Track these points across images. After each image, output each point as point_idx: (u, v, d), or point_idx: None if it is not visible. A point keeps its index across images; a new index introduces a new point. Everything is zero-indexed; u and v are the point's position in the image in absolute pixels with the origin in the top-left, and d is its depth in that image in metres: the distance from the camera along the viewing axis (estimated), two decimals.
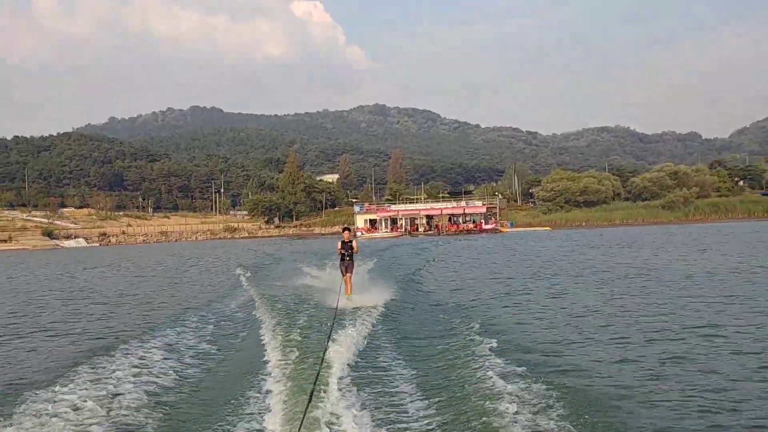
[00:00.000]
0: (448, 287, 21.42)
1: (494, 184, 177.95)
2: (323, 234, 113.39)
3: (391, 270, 28.51)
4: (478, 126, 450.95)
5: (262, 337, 12.31)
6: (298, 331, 11.89)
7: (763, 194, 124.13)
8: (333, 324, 9.66)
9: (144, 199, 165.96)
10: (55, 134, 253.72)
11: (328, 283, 19.27)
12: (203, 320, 15.30)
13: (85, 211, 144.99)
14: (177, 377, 9.72)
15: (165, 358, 10.80)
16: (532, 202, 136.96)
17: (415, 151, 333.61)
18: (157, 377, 9.52)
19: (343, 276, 17.21)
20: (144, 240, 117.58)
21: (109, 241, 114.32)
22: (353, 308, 15.05)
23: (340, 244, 17.51)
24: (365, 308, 14.93)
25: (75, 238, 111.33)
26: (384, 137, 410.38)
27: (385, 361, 10.36)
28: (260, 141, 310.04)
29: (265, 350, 10.99)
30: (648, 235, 56.35)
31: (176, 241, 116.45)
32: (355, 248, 17.45)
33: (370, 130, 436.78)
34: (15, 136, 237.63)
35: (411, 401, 8.24)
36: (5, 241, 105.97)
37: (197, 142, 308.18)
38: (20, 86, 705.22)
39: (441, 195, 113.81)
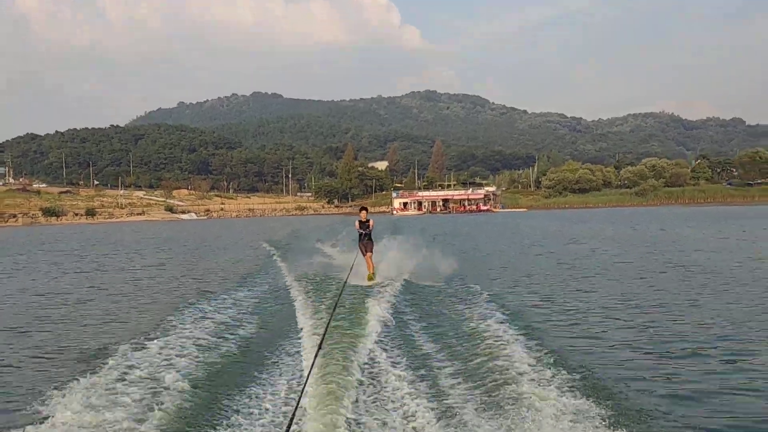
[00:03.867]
0: (448, 234, 50.01)
1: (519, 172, 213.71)
2: (372, 213, 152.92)
3: (414, 232, 42.96)
4: (525, 111, 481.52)
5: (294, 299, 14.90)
6: (312, 305, 13.41)
7: (728, 184, 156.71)
8: (338, 299, 9.60)
9: (228, 182, 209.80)
10: (136, 117, 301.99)
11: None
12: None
13: (185, 191, 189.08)
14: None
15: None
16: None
17: (462, 137, 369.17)
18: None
19: (364, 255, 17.83)
20: (237, 215, 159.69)
21: (212, 216, 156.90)
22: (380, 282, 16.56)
23: (358, 223, 18.32)
24: (390, 279, 17.00)
25: (188, 213, 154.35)
26: (434, 122, 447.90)
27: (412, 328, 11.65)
28: (319, 128, 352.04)
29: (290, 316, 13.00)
30: (594, 214, 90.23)
31: (261, 216, 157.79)
32: (371, 225, 18.23)
33: (420, 115, 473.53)
34: (111, 125, 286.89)
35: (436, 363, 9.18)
36: (140, 214, 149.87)
37: (262, 128, 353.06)
38: (90, 73, 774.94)
39: (455, 184, 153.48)
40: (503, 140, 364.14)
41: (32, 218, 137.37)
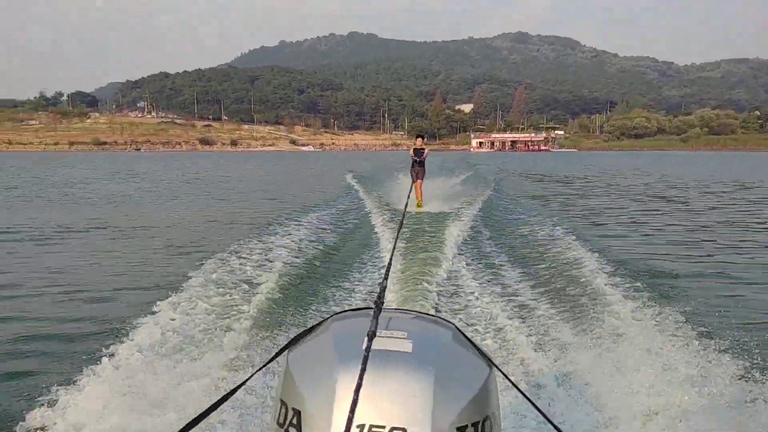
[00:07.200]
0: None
1: (592, 117, 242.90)
2: (456, 150, 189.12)
3: (482, 166, 57.75)
4: (615, 55, 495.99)
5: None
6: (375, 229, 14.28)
7: None
8: (399, 229, 6.92)
9: (334, 120, 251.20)
10: (240, 54, 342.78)
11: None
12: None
13: (300, 128, 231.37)
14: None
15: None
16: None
17: (550, 80, 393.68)
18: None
19: (413, 182, 17.30)
20: (345, 148, 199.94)
21: (325, 148, 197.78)
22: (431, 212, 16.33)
23: (412, 151, 18.34)
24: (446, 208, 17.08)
25: (307, 145, 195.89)
26: (522, 64, 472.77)
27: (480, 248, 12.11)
28: (412, 70, 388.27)
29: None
30: (627, 154, 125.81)
31: (363, 150, 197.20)
32: (425, 153, 18.30)
33: (510, 58, 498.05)
34: (227, 65, 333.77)
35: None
36: (270, 145, 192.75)
37: (360, 70, 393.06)
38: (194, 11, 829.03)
39: (527, 127, 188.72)
40: (591, 84, 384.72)
41: (192, 145, 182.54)
